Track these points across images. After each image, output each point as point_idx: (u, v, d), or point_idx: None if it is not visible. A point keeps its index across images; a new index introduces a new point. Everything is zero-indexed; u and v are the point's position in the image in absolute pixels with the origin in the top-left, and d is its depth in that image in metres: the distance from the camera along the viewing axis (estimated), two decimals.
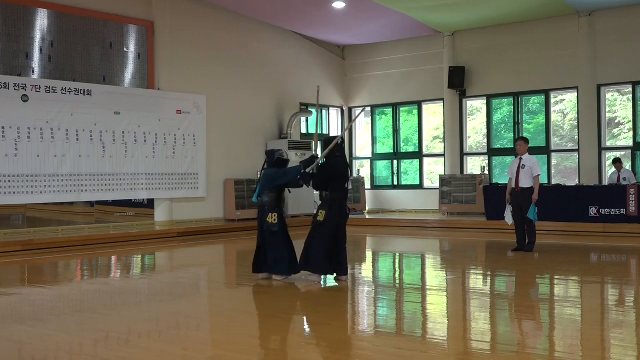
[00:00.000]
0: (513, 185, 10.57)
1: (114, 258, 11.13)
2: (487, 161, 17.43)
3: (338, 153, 7.83)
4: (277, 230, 7.76)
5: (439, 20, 16.63)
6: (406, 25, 16.99)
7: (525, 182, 10.40)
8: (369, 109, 19.17)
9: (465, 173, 17.50)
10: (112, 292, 8.01)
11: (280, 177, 7.87)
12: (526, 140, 10.76)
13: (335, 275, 7.93)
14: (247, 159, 16.53)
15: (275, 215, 7.77)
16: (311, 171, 7.79)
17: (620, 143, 16.20)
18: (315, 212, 8.02)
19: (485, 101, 17.43)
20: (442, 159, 18.21)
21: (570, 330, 5.75)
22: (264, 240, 7.92)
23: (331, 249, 7.72)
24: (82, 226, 14.01)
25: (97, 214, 15.23)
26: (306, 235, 7.96)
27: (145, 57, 14.58)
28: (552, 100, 16.72)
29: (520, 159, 10.56)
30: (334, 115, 19.65)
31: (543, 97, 16.62)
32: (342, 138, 8.01)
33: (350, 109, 19.79)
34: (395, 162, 19.09)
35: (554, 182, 16.15)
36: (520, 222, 10.53)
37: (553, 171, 16.64)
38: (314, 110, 17.55)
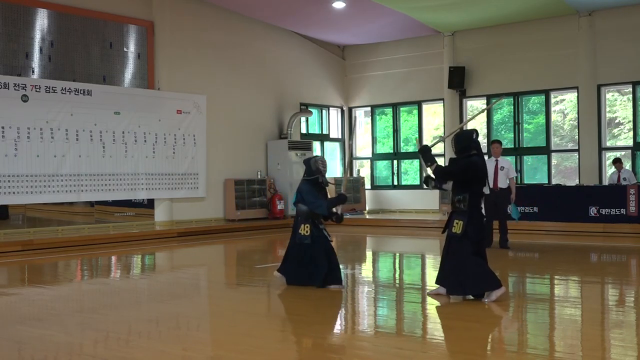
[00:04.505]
0: (491, 186, 10.75)
1: (114, 258, 11.13)
2: None
3: (475, 151, 6.75)
4: (308, 243, 7.41)
5: (439, 20, 16.63)
6: (406, 25, 16.99)
7: (503, 183, 10.96)
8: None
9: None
10: (112, 292, 8.01)
11: (307, 204, 7.48)
12: (501, 143, 11.47)
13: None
14: (247, 159, 16.54)
15: (307, 227, 7.42)
16: (337, 211, 7.54)
17: (620, 143, 16.20)
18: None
19: (485, 101, 17.41)
20: (442, 159, 18.20)
21: (570, 330, 5.74)
22: (293, 249, 7.57)
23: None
24: (82, 226, 14.01)
25: (97, 214, 15.22)
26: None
27: (145, 57, 14.58)
28: (552, 100, 16.71)
29: (497, 160, 11.02)
30: (334, 115, 19.65)
31: (543, 97, 16.62)
32: (476, 132, 7.03)
33: (350, 109, 19.79)
34: (395, 162, 19.09)
35: (554, 182, 16.15)
36: (491, 220, 10.87)
37: (553, 171, 16.64)
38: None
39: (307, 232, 7.40)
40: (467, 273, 6.53)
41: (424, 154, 6.88)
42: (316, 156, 7.78)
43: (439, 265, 7.03)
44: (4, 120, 12.17)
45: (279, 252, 12.22)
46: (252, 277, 8.81)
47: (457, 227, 6.55)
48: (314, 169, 7.57)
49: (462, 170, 6.68)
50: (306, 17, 16.61)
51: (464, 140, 6.77)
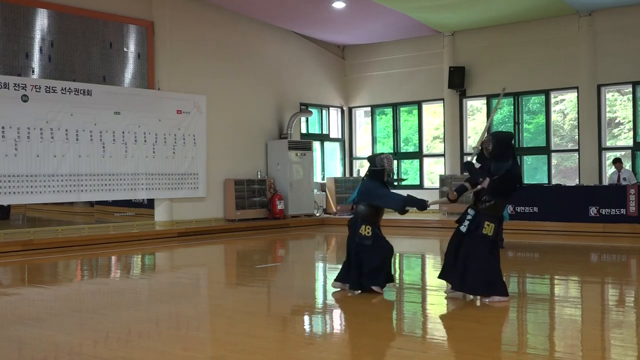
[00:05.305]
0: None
1: (113, 258, 11.13)
2: None
3: (513, 156, 6.75)
4: (370, 244, 7.04)
5: (439, 20, 16.63)
6: (406, 25, 16.99)
7: None
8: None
9: (465, 173, 17.46)
10: (112, 292, 8.01)
11: (379, 199, 7.11)
12: None
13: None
14: (247, 159, 16.54)
15: (369, 228, 7.05)
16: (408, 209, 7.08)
17: (620, 143, 16.20)
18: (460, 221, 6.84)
19: (485, 101, 17.42)
20: (442, 159, 18.20)
21: (570, 330, 5.74)
22: (353, 252, 7.17)
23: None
24: (82, 226, 14.00)
25: (97, 214, 15.21)
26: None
27: (145, 57, 14.58)
28: (552, 100, 16.71)
29: None
30: (334, 115, 19.65)
31: (543, 97, 16.62)
32: (512, 135, 6.94)
33: (350, 109, 19.79)
34: (395, 162, 19.08)
35: (554, 182, 16.15)
36: None
37: (553, 171, 16.64)
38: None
39: (368, 232, 7.05)
40: (497, 273, 6.56)
41: (471, 170, 6.85)
42: (382, 153, 7.39)
43: (443, 262, 6.94)
44: (4, 120, 12.17)
45: (279, 252, 12.24)
46: (252, 277, 8.81)
47: (489, 229, 6.55)
48: (380, 166, 7.19)
49: (518, 179, 6.69)
50: (306, 17, 16.61)
51: (504, 144, 6.69)
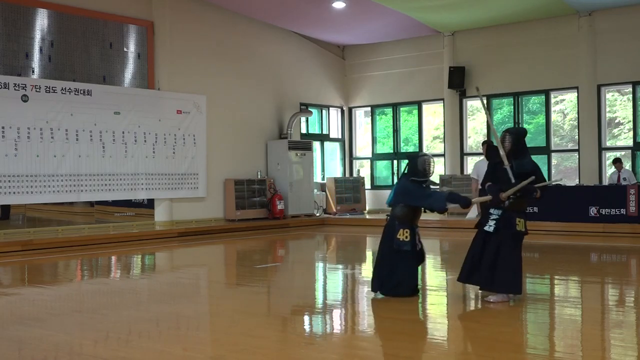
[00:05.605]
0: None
1: (113, 258, 11.13)
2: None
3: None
4: (408, 250, 6.67)
5: (439, 20, 16.63)
6: (406, 25, 16.99)
7: None
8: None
9: (465, 173, 17.49)
10: (112, 292, 8.01)
11: (420, 199, 6.74)
12: (493, 144, 11.52)
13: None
14: (247, 159, 16.54)
15: (407, 232, 6.66)
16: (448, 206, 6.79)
17: (620, 143, 16.20)
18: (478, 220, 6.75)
19: (485, 101, 17.42)
20: (442, 159, 18.20)
21: (570, 330, 5.74)
22: (386, 257, 6.81)
23: None
24: (82, 226, 14.00)
25: (97, 214, 15.21)
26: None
27: (145, 57, 14.58)
28: (552, 100, 16.71)
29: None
30: (334, 115, 19.65)
31: (543, 97, 16.62)
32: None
33: (350, 109, 19.79)
34: (395, 162, 19.09)
35: (553, 182, 16.13)
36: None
37: (553, 171, 16.64)
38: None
39: (406, 237, 6.66)
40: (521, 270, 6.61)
41: (458, 200, 6.72)
42: (425, 155, 6.89)
43: (464, 264, 6.76)
44: (4, 120, 12.17)
45: (279, 252, 12.24)
46: (252, 277, 8.81)
47: (521, 225, 6.57)
48: (420, 169, 6.74)
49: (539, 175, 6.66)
50: (306, 17, 16.61)
51: (522, 141, 6.70)
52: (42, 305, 7.10)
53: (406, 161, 6.93)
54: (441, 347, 5.18)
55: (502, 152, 6.61)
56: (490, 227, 6.55)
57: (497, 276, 6.47)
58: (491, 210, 6.62)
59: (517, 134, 6.71)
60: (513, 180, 6.48)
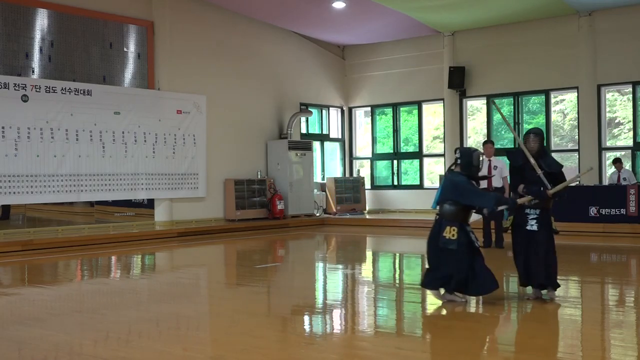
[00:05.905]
0: (485, 186, 10.79)
1: (113, 258, 11.13)
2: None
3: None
4: (454, 249, 6.36)
5: (439, 20, 16.63)
6: (406, 25, 16.99)
7: (497, 182, 11.09)
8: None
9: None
10: (112, 292, 8.01)
11: (470, 196, 6.43)
12: (493, 143, 11.80)
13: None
14: (247, 159, 16.54)
15: (454, 230, 6.37)
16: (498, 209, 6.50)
17: (620, 143, 16.20)
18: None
19: (485, 101, 17.42)
20: (442, 159, 18.20)
21: (570, 330, 5.74)
22: (434, 257, 6.58)
23: None
24: (82, 226, 14.00)
25: (97, 214, 15.21)
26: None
27: (145, 57, 14.58)
28: (552, 100, 16.71)
29: (490, 160, 11.17)
30: (334, 115, 19.65)
31: (543, 97, 16.62)
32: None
33: (350, 109, 19.79)
34: (395, 162, 19.09)
35: None
36: (489, 220, 11.00)
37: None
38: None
39: (453, 235, 6.37)
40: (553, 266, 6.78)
41: (506, 202, 6.59)
42: (477, 149, 6.62)
43: (518, 269, 6.72)
44: (4, 120, 12.17)
45: (279, 252, 12.24)
46: (252, 277, 8.81)
47: (554, 223, 6.75)
48: (475, 164, 6.46)
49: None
50: (306, 17, 16.61)
51: (543, 141, 6.73)
52: (42, 305, 7.10)
53: (456, 156, 6.57)
54: (441, 347, 5.17)
55: (527, 153, 6.54)
56: (532, 226, 6.65)
57: (551, 273, 6.68)
58: (527, 210, 6.65)
59: (541, 134, 6.69)
60: (545, 181, 6.51)
